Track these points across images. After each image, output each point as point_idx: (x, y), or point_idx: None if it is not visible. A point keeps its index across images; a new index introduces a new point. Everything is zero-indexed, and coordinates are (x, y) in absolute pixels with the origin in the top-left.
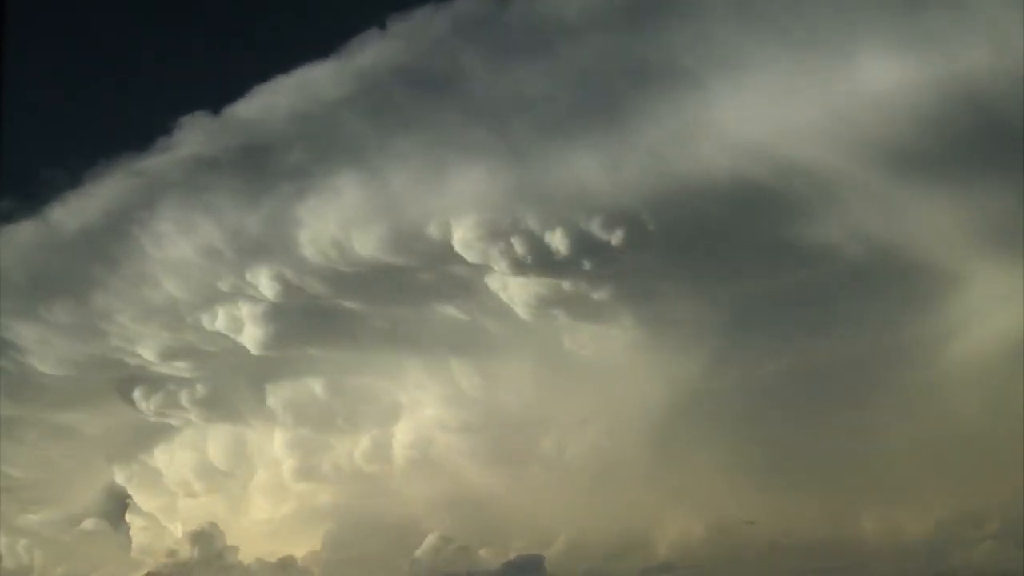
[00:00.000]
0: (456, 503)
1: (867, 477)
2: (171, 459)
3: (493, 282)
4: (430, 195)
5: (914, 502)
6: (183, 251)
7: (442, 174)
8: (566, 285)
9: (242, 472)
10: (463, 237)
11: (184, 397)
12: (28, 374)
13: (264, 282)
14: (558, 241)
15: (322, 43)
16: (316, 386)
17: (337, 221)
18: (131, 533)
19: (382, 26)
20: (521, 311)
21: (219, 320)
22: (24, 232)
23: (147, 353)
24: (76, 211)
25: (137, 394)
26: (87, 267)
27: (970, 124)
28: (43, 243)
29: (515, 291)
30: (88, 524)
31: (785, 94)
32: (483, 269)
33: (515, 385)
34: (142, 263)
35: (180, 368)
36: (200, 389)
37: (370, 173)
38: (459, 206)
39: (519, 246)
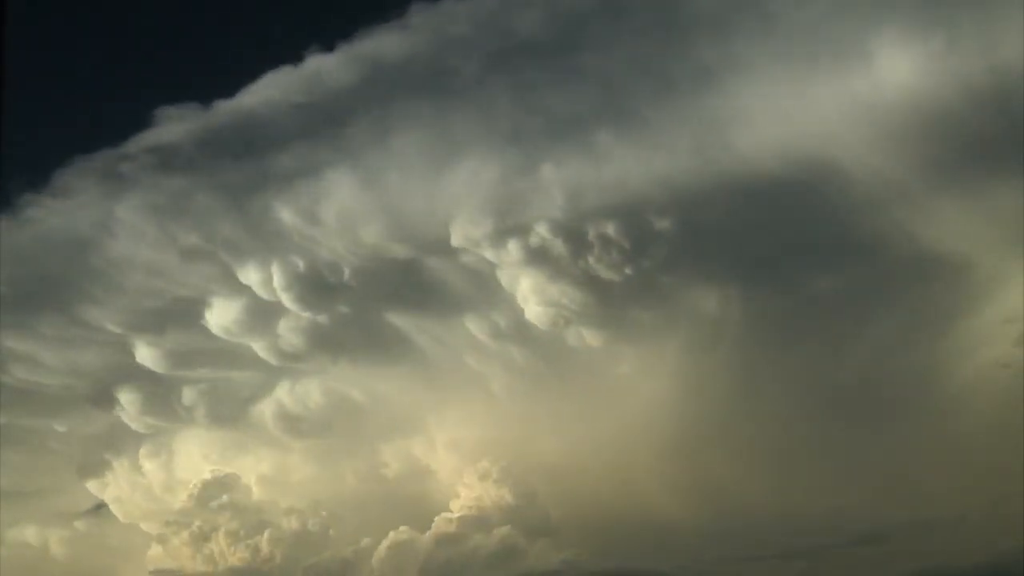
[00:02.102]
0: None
1: (905, 484)
2: (170, 465)
3: (512, 284)
4: (440, 194)
5: (948, 507)
6: (177, 250)
7: (451, 173)
8: (588, 286)
9: (243, 479)
10: (476, 238)
11: (182, 402)
12: (14, 382)
13: (262, 281)
14: (583, 242)
15: (333, 33)
16: (321, 392)
17: (342, 218)
18: (126, 541)
19: (402, 16)
20: (543, 320)
21: (217, 323)
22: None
23: (145, 357)
24: (64, 212)
25: (130, 399)
26: (75, 268)
27: (1000, 120)
28: (31, 245)
29: (539, 300)
30: (82, 531)
31: (806, 93)
32: (504, 273)
33: (538, 399)
34: (135, 262)
35: (177, 372)
36: (199, 394)
37: (377, 170)
38: (475, 206)
39: (541, 247)
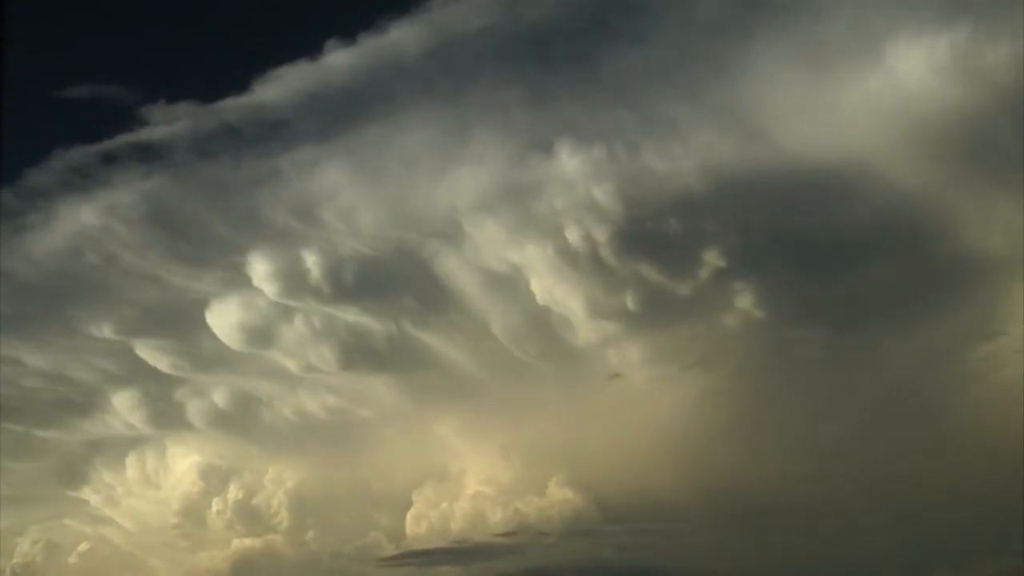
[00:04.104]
0: None
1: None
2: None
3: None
4: (451, 193)
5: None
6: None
7: (466, 172)
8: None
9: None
10: (493, 237)
11: (185, 408)
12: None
13: (270, 284)
14: (604, 239)
15: (354, 25)
16: (329, 401)
17: (360, 217)
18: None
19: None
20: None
21: (227, 327)
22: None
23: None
24: (63, 216)
25: (136, 405)
26: (72, 273)
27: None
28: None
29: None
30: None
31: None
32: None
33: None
34: (141, 260)
35: (190, 376)
36: (214, 398)
37: (393, 168)
38: (489, 205)
39: (562, 247)
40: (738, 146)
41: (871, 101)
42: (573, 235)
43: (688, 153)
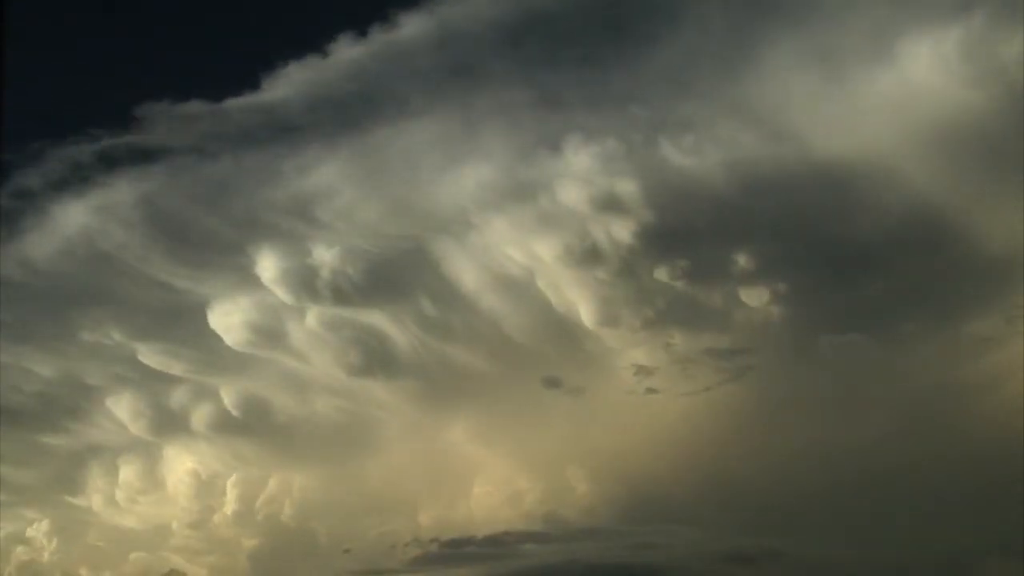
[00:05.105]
0: None
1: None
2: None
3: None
4: (460, 192)
5: None
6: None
7: (474, 170)
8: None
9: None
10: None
11: (192, 411)
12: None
13: (275, 285)
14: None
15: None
16: (337, 403)
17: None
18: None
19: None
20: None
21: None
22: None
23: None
24: (62, 218)
25: (129, 409)
26: (74, 275)
27: None
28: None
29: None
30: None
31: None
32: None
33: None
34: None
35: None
36: (210, 403)
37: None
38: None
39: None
40: (752, 145)
41: (887, 99)
42: (584, 233)
43: (701, 151)
